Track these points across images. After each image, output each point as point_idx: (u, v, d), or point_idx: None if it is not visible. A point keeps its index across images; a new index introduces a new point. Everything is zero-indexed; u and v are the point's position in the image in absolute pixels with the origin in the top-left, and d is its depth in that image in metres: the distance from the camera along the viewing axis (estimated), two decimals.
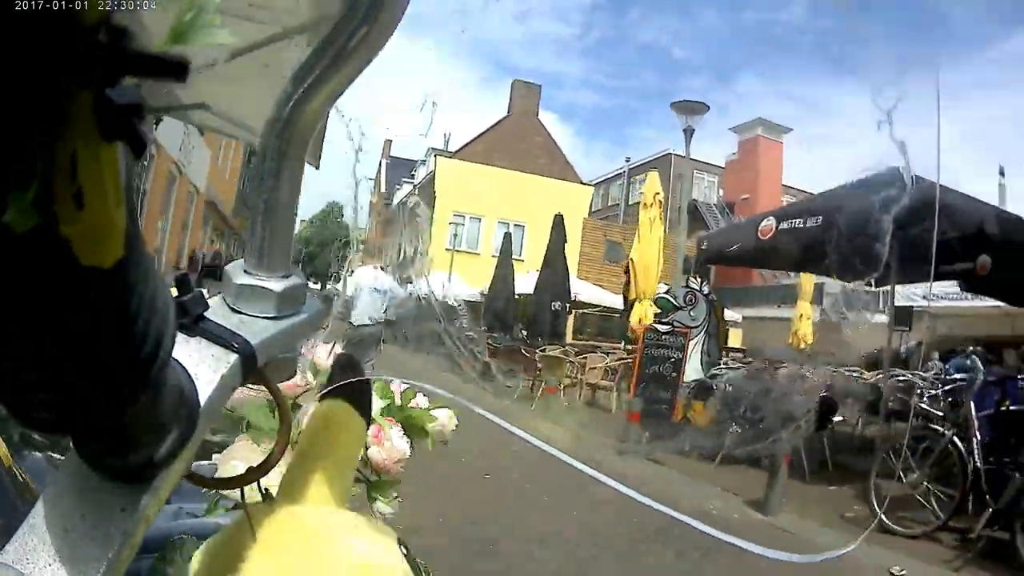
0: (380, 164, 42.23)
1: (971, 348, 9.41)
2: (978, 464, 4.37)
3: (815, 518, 4.95)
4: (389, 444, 0.86)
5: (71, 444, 0.31)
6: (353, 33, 0.33)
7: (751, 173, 29.15)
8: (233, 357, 0.36)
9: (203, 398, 0.34)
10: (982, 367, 6.70)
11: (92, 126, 0.17)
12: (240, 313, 0.39)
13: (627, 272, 14.59)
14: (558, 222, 15.37)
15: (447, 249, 23.06)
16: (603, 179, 36.26)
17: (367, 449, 0.84)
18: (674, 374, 7.45)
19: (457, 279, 20.81)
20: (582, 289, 19.18)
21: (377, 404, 0.88)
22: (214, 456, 0.76)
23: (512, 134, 31.51)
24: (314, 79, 0.35)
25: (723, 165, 31.99)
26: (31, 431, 0.72)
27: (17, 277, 0.18)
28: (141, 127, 0.18)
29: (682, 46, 79.44)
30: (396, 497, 0.88)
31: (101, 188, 0.18)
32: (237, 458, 0.74)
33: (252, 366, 0.37)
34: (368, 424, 0.51)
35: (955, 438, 4.53)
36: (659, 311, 7.93)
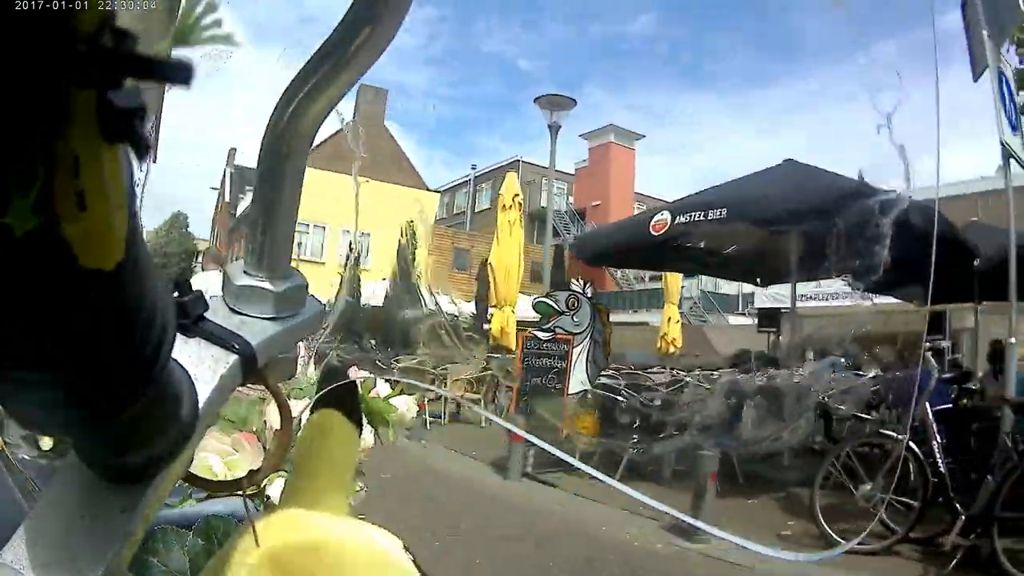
0: (225, 173, 41.06)
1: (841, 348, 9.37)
2: (941, 469, 3.98)
3: (748, 538, 4.11)
4: None
5: (71, 444, 0.31)
6: (354, 36, 0.33)
7: (602, 179, 29.37)
8: (233, 358, 0.36)
9: (203, 398, 0.34)
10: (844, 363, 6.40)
11: (94, 128, 0.17)
12: (240, 314, 0.39)
13: (478, 279, 14.53)
14: (407, 229, 15.09)
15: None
16: (449, 187, 36.07)
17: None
18: (558, 385, 6.68)
19: None
20: (431, 297, 19.37)
21: None
22: None
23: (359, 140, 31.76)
24: (316, 82, 0.35)
25: (573, 172, 31.93)
26: (31, 431, 0.72)
27: (18, 278, 0.18)
28: (144, 129, 0.18)
29: (528, 57, 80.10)
30: (361, 489, 0.89)
31: (103, 190, 0.18)
32: (207, 450, 0.75)
33: (252, 366, 0.37)
34: (360, 430, 0.51)
35: (910, 443, 4.08)
36: (539, 316, 7.21)
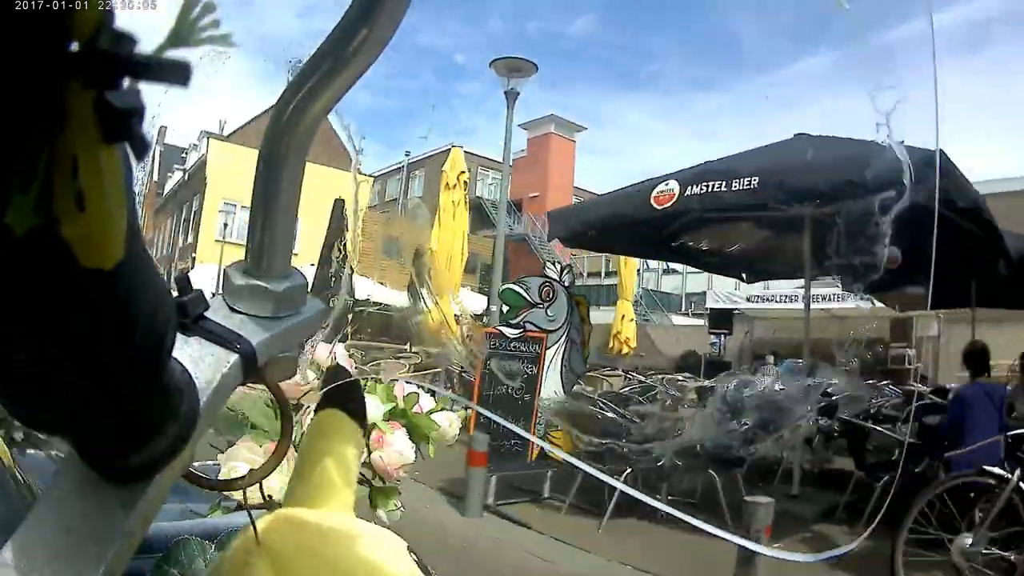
0: (154, 151, 40.62)
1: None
2: None
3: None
4: (391, 449, 0.85)
5: (71, 443, 0.31)
6: (352, 37, 0.33)
7: (541, 171, 28.17)
8: (233, 357, 0.36)
9: (203, 398, 0.34)
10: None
11: (93, 128, 0.17)
12: (240, 313, 0.39)
13: (414, 266, 13.58)
14: (337, 209, 12.88)
15: (217, 240, 21.30)
16: (380, 173, 34.02)
17: (369, 453, 0.83)
18: (527, 396, 5.22)
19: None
20: (360, 285, 17.66)
21: (380, 408, 0.87)
22: (218, 456, 0.76)
23: None
24: (315, 82, 0.35)
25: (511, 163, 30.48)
26: (32, 431, 0.72)
27: (18, 278, 0.18)
28: (142, 129, 0.18)
29: (463, 51, 77.69)
30: (399, 507, 0.86)
31: (102, 190, 0.18)
32: (239, 459, 0.75)
33: (252, 366, 0.37)
34: (364, 429, 0.51)
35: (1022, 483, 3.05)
36: (507, 308, 5.75)
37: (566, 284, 5.90)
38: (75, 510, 0.30)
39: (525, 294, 5.63)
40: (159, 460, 0.32)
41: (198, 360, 0.35)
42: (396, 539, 0.45)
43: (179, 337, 0.33)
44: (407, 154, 33.83)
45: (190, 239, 27.13)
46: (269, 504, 0.48)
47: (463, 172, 8.58)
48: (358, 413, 0.50)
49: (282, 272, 0.40)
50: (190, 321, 0.36)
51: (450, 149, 9.29)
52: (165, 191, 33.30)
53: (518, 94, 9.23)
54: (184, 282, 0.36)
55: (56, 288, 0.19)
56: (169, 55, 0.21)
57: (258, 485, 0.44)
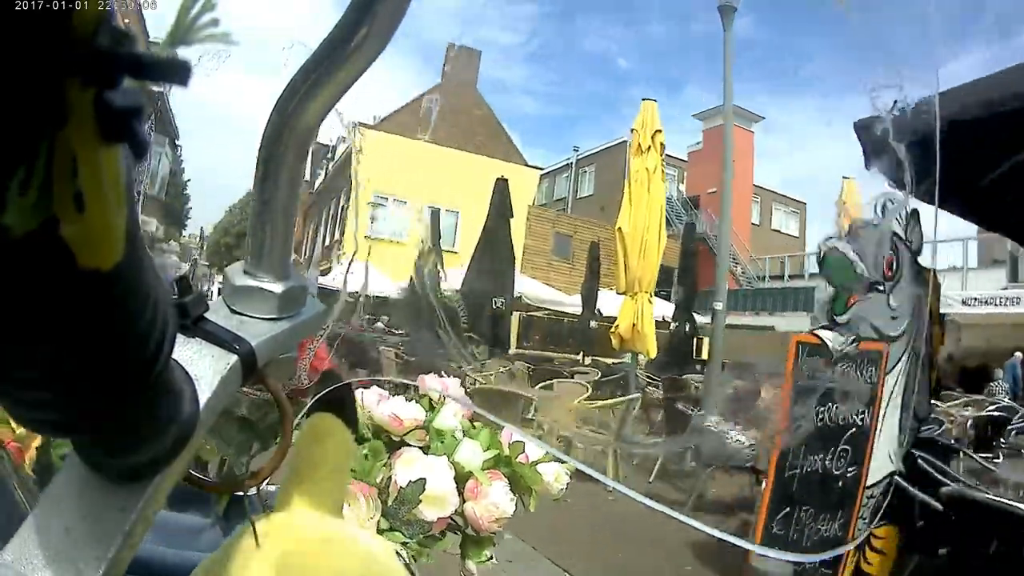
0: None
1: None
2: None
3: None
4: (487, 501, 0.78)
5: (72, 444, 0.31)
6: (352, 35, 0.33)
7: (718, 164, 24.21)
8: (233, 358, 0.36)
9: (203, 399, 0.34)
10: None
11: (92, 127, 0.17)
12: (240, 314, 0.39)
13: (596, 257, 12.21)
14: (500, 190, 10.18)
15: (367, 237, 19.56)
16: (548, 171, 31.25)
17: (463, 503, 0.77)
18: (852, 471, 2.42)
19: (376, 272, 17.42)
20: (527, 286, 15.13)
21: (481, 455, 0.81)
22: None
23: (446, 105, 25.40)
24: (313, 81, 0.35)
25: (684, 158, 28.33)
26: (32, 431, 0.72)
27: (16, 278, 0.18)
28: (141, 129, 0.18)
29: (627, 56, 78.99)
30: (490, 558, 0.80)
31: (101, 190, 0.18)
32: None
33: (252, 367, 0.37)
34: (355, 433, 0.51)
35: None
36: (833, 292, 2.39)
37: (909, 242, 2.61)
38: (75, 511, 0.30)
39: (857, 264, 2.43)
40: (159, 461, 0.32)
41: (198, 361, 0.35)
42: (385, 543, 0.46)
43: (179, 338, 0.33)
44: (575, 149, 31.58)
45: (337, 236, 24.51)
46: (268, 507, 0.48)
47: (658, 131, 6.55)
48: (349, 418, 0.51)
49: (282, 273, 0.40)
50: (190, 322, 0.36)
51: (624, 142, 7.61)
52: (315, 190, 31.45)
53: (735, 9, 7.00)
54: (184, 283, 0.36)
55: (55, 289, 0.19)
56: (169, 54, 0.21)
57: (257, 488, 0.44)
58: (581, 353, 13.42)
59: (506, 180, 10.80)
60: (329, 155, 30.98)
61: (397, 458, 0.77)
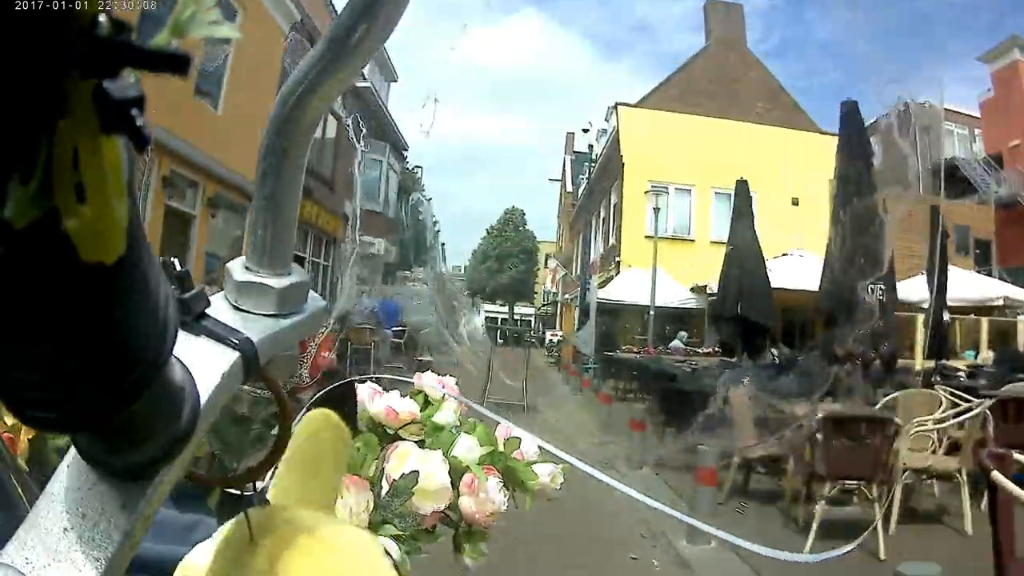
0: (564, 161, 35.18)
1: None
2: None
3: None
4: (483, 495, 0.79)
5: (71, 441, 0.31)
6: (353, 31, 0.33)
7: (1018, 110, 19.71)
8: (234, 355, 0.36)
9: (204, 396, 0.34)
10: None
11: (92, 119, 0.17)
12: (242, 310, 0.39)
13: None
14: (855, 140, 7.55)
15: (648, 237, 15.08)
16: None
17: (458, 498, 0.79)
18: None
19: (664, 276, 13.70)
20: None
21: (476, 451, 0.82)
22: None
23: (715, 70, 21.22)
24: (315, 76, 0.35)
25: (974, 114, 22.61)
26: (32, 428, 0.72)
27: (17, 272, 0.18)
28: (142, 121, 0.18)
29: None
30: (484, 554, 0.81)
31: (103, 182, 0.18)
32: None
33: (254, 364, 0.37)
34: (354, 430, 0.51)
35: None
36: None
37: None
38: (75, 509, 0.30)
39: None
40: (160, 459, 0.31)
41: (199, 358, 0.34)
42: (374, 538, 0.45)
43: (180, 334, 0.33)
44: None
45: (612, 240, 20.62)
46: (264, 501, 0.48)
47: None
48: (349, 415, 0.50)
49: (283, 268, 0.40)
50: (191, 318, 0.35)
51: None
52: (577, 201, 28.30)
53: None
54: (185, 278, 0.36)
55: (57, 282, 0.19)
56: (169, 46, 0.20)
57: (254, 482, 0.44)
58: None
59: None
60: (591, 158, 26.62)
61: (392, 451, 0.77)
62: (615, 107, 20.64)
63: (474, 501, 0.79)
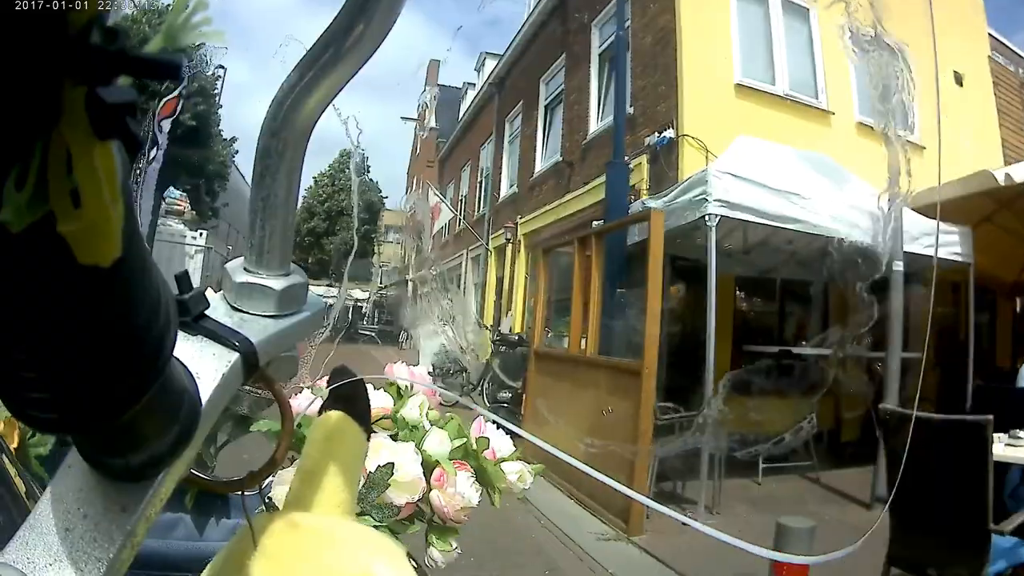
0: (425, 94, 23.32)
1: None
2: None
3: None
4: (452, 491, 0.79)
5: (72, 443, 0.31)
6: (348, 33, 0.33)
7: None
8: (234, 356, 0.36)
9: (204, 397, 0.34)
10: None
11: (85, 124, 0.17)
12: (241, 312, 0.39)
13: None
14: None
15: (744, 86, 6.86)
16: None
17: (429, 491, 0.78)
18: None
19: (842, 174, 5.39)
20: None
21: (447, 445, 0.82)
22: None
23: None
24: (311, 77, 0.35)
25: None
26: (33, 429, 0.72)
27: (14, 276, 0.18)
28: (135, 126, 0.18)
29: None
30: (455, 548, 0.81)
31: (98, 186, 0.18)
32: (284, 483, 0.71)
33: (254, 365, 0.37)
34: (369, 433, 0.51)
35: None
36: None
37: None
38: (76, 510, 0.30)
39: None
40: (160, 461, 0.31)
41: (199, 359, 0.35)
42: (395, 545, 0.45)
43: (180, 336, 0.33)
44: None
45: (635, 107, 7.64)
46: (268, 507, 0.48)
47: None
48: (363, 416, 0.50)
49: (282, 269, 0.40)
50: (191, 320, 0.36)
51: None
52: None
53: None
54: (184, 279, 0.36)
55: (54, 286, 0.19)
56: (162, 52, 0.21)
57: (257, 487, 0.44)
58: None
59: None
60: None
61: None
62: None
63: (443, 495, 0.79)
